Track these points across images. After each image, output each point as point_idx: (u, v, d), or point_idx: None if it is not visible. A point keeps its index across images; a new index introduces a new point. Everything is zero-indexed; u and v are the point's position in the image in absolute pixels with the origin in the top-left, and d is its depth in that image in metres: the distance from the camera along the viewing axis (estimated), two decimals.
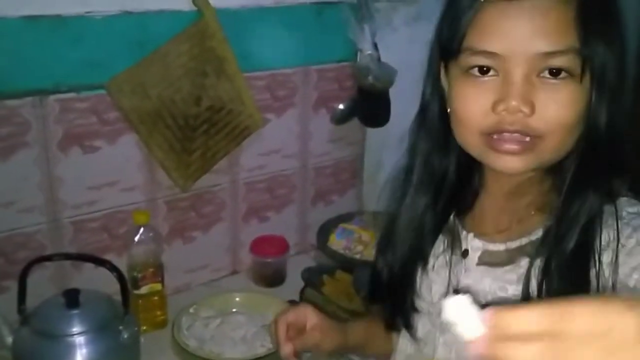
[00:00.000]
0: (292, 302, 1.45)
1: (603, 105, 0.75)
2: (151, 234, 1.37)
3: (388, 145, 1.78)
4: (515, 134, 0.74)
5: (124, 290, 1.18)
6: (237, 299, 1.46)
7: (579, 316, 0.41)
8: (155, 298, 1.40)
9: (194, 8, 1.35)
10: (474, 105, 0.76)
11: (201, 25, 1.35)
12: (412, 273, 0.94)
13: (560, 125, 0.73)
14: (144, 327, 1.36)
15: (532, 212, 0.81)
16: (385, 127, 1.71)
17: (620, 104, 0.77)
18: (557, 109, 0.72)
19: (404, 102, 0.91)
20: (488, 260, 0.84)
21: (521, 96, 0.72)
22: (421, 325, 0.94)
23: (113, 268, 1.16)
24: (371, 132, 1.77)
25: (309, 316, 1.02)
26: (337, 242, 1.65)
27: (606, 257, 0.73)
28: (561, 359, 0.41)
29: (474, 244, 0.86)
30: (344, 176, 1.80)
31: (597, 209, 0.74)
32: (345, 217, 1.73)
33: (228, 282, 1.61)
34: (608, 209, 0.75)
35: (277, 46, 1.54)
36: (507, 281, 0.80)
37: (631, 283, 0.69)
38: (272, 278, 1.59)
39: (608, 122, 0.75)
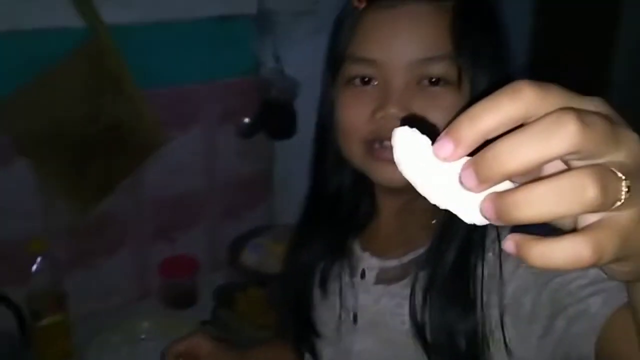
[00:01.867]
0: (205, 323, 1.42)
1: None
2: (51, 263, 1.30)
3: (297, 157, 1.78)
4: None
5: (21, 326, 1.12)
6: (146, 324, 1.41)
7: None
8: (59, 329, 1.33)
9: (86, 25, 1.29)
10: (354, 114, 0.77)
11: (94, 42, 1.30)
12: (309, 298, 0.93)
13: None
14: None
15: (422, 229, 0.81)
16: (293, 139, 1.71)
17: None
18: (435, 115, 0.73)
19: (310, 114, 0.92)
20: (384, 278, 0.84)
21: (400, 103, 0.73)
22: (325, 351, 0.92)
23: (9, 305, 1.10)
24: (279, 144, 1.76)
25: (202, 345, 1.00)
26: (249, 257, 1.63)
27: (487, 270, 0.74)
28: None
29: (370, 263, 0.86)
30: (254, 190, 1.78)
31: None
32: (257, 232, 1.71)
33: (136, 307, 1.55)
34: None
35: (178, 61, 1.50)
36: (404, 297, 0.80)
37: (518, 273, 0.70)
38: (182, 300, 1.55)
39: None
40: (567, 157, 0.32)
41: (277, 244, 1.64)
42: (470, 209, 0.35)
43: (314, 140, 0.92)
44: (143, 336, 1.38)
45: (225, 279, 1.65)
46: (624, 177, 0.32)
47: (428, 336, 0.75)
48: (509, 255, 0.69)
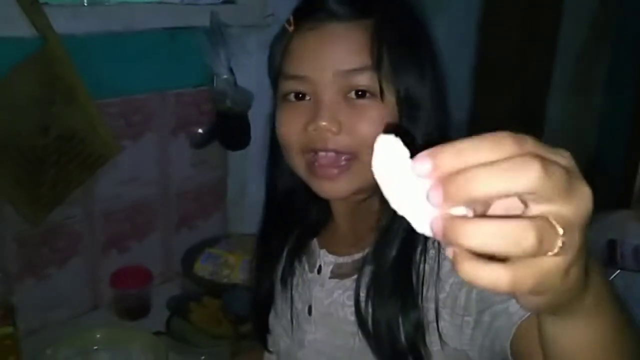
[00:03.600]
0: (158, 333, 1.41)
1: (413, 123, 0.81)
2: (0, 274, 1.28)
3: (250, 167, 1.80)
4: (330, 154, 0.79)
5: None
6: (99, 335, 1.39)
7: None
8: (8, 342, 1.30)
9: (37, 35, 1.28)
10: (290, 126, 0.83)
11: (46, 52, 1.29)
12: (272, 294, 1.01)
13: (368, 141, 0.77)
14: None
15: (370, 229, 0.86)
16: (247, 149, 1.73)
17: (439, 121, 0.82)
18: (362, 125, 0.78)
19: (264, 124, 0.95)
20: (338, 273, 0.91)
21: (328, 116, 0.78)
22: (283, 343, 0.99)
23: None
24: (233, 154, 1.78)
25: None
26: (203, 267, 1.63)
27: (428, 266, 0.80)
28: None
29: (326, 259, 0.93)
30: (208, 200, 1.79)
31: None
32: (211, 242, 1.71)
33: (88, 318, 1.54)
34: None
35: (130, 72, 1.50)
36: (353, 290, 0.86)
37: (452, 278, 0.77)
38: (135, 310, 1.54)
39: (423, 140, 0.80)
40: (525, 196, 0.36)
41: (231, 254, 1.65)
42: (423, 221, 0.37)
43: (268, 147, 0.97)
44: (96, 347, 1.36)
45: (179, 289, 1.65)
46: (561, 233, 0.36)
47: (370, 327, 0.81)
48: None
